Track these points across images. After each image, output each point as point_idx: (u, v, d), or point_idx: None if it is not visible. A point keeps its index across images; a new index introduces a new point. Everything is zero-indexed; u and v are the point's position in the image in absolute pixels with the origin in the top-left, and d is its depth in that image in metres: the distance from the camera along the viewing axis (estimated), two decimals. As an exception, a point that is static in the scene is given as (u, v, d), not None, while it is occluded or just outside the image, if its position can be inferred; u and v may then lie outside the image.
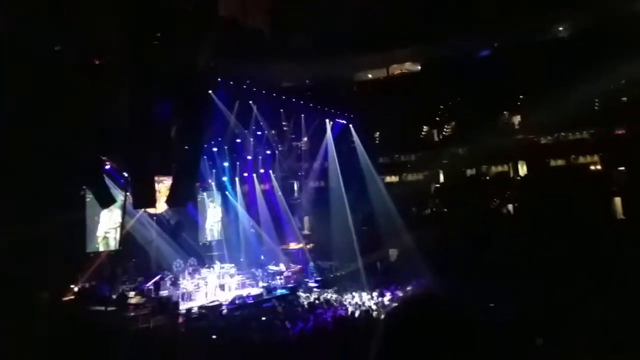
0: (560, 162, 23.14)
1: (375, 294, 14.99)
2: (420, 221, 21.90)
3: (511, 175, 23.90)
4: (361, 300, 14.40)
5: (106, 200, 14.05)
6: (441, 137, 26.17)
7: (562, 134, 23.03)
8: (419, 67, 26.39)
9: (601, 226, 15.98)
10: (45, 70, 12.12)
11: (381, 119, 22.81)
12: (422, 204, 23.87)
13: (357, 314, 12.49)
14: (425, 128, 26.32)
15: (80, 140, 13.49)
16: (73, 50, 12.73)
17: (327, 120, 21.33)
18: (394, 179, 26.90)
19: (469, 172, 25.62)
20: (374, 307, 13.37)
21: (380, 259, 19.43)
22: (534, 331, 8.23)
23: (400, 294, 14.55)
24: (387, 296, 14.52)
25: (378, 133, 25.87)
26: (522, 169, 23.86)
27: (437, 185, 25.62)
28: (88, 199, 15.19)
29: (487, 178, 24.89)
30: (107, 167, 16.07)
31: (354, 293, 15.78)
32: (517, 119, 24.00)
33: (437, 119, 25.93)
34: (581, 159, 22.68)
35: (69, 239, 14.77)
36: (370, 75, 27.10)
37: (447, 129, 25.99)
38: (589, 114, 20.47)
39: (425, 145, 25.61)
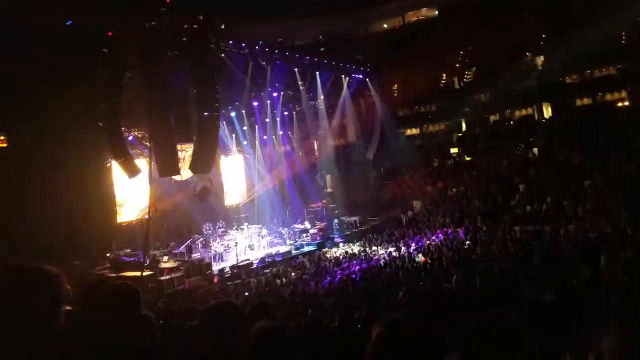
0: (586, 101, 22.36)
1: (400, 245, 15.21)
2: (444, 172, 21.76)
3: (536, 118, 23.26)
4: (387, 252, 14.64)
5: (132, 171, 14.49)
6: (462, 84, 25.48)
7: (588, 71, 22.10)
8: (437, 13, 25.40)
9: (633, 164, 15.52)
10: (65, 45, 12.26)
11: (399, 70, 22.28)
12: (444, 154, 23.62)
13: (382, 265, 12.75)
14: (444, 76, 25.64)
15: (104, 113, 13.81)
16: (89, 24, 12.78)
17: (343, 77, 20.98)
18: (415, 131, 26.59)
19: (492, 118, 25.06)
20: (399, 257, 13.59)
21: (404, 212, 19.55)
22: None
23: (425, 243, 14.73)
24: (413, 247, 14.72)
25: (397, 86, 25.37)
26: (547, 112, 23.16)
27: (460, 135, 25.21)
28: (115, 170, 15.67)
29: (512, 123, 24.31)
30: (131, 138, 16.44)
31: (379, 246, 16.06)
32: (540, 59, 23.07)
33: (457, 65, 25.16)
34: (608, 97, 21.84)
35: (100, 210, 15.40)
36: (385, 26, 26.28)
37: (467, 75, 25.23)
38: (615, 49, 19.52)
39: (446, 94, 25.04)
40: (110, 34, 13.26)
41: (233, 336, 1.90)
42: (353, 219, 19.79)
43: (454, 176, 21.02)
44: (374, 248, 15.87)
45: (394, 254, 14.02)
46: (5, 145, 15.61)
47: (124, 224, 16.27)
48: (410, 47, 21.84)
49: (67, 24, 12.74)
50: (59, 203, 13.37)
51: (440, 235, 15.53)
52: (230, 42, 15.91)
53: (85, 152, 14.50)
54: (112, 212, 15.95)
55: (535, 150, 19.73)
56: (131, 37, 12.56)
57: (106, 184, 16.02)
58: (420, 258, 12.70)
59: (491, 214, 16.30)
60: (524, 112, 24.04)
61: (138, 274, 12.29)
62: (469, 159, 22.89)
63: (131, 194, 16.44)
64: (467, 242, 13.57)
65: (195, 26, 13.57)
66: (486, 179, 19.15)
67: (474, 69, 24.61)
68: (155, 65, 12.49)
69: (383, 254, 14.44)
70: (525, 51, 22.89)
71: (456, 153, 23.95)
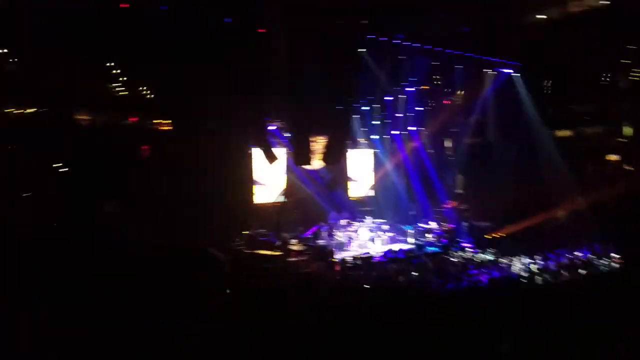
0: None
1: (538, 257, 13.83)
2: (598, 181, 19.16)
3: None
4: (521, 263, 13.45)
5: (271, 158, 15.61)
6: (627, 83, 22.03)
7: None
8: (601, 2, 22.25)
9: None
10: (217, 40, 13.64)
11: (553, 65, 20.11)
12: (600, 161, 20.74)
13: (515, 277, 11.75)
14: (607, 74, 22.42)
15: (250, 104, 15.08)
16: (239, 20, 13.97)
17: (486, 71, 19.66)
18: (566, 132, 23.76)
19: (666, 124, 21.25)
20: (535, 271, 12.39)
21: (546, 221, 17.70)
22: None
23: (567, 260, 13.18)
24: (553, 260, 13.29)
25: (549, 82, 22.93)
26: None
27: (621, 140, 21.86)
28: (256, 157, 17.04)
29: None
30: (272, 128, 17.71)
31: (513, 256, 14.80)
32: None
33: (622, 62, 21.81)
34: None
35: (241, 192, 16.98)
36: (542, 15, 23.84)
37: (635, 73, 21.74)
38: None
39: (608, 94, 21.88)
40: (262, 30, 14.29)
41: None
42: (485, 223, 18.54)
43: (610, 186, 18.39)
44: (508, 258, 14.68)
45: (531, 266, 12.83)
46: (171, 129, 18.09)
47: (259, 205, 17.65)
48: (568, 40, 19.54)
49: (226, 20, 14.02)
50: (208, 180, 15.05)
51: (587, 251, 13.80)
52: (369, 35, 16.00)
53: (233, 138, 16.09)
54: (250, 194, 17.43)
55: None
56: (279, 31, 13.44)
57: (247, 168, 17.53)
58: (562, 275, 11.41)
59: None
60: None
61: (269, 252, 13.26)
62: (629, 168, 19.80)
63: (268, 178, 17.75)
64: (618, 262, 11.79)
65: (338, 22, 13.99)
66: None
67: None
68: (297, 59, 13.22)
69: (518, 265, 13.30)
70: None
71: (615, 160, 20.86)
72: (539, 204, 19.25)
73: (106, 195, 13.98)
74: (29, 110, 15.32)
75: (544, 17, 23.64)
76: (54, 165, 14.14)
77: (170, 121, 17.88)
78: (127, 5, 12.23)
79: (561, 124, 23.40)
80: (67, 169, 14.30)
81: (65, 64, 13.73)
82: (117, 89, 16.73)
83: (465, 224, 18.46)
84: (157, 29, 12.84)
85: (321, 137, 16.38)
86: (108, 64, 15.52)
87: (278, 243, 14.52)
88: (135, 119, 17.44)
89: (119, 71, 16.05)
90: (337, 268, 14.15)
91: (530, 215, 18.56)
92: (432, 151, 21.21)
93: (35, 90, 14.59)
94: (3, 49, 13.65)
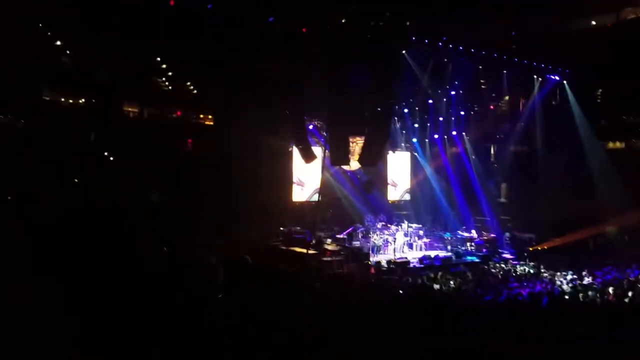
0: None
1: (583, 273, 13.12)
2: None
3: None
4: (565, 278, 12.80)
5: (309, 157, 15.59)
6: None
7: None
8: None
9: None
10: (262, 41, 13.75)
11: (607, 73, 19.09)
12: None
13: (558, 293, 11.17)
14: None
15: (290, 102, 15.12)
16: (284, 21, 14.02)
17: (535, 77, 18.91)
18: (618, 144, 22.53)
19: None
20: (579, 288, 11.75)
21: (593, 236, 16.81)
22: None
23: (614, 277, 12.43)
24: (599, 277, 12.57)
25: (600, 91, 21.82)
26: None
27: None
28: (294, 155, 17.09)
29: None
30: (311, 127, 17.70)
31: (556, 270, 14.12)
32: None
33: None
34: None
35: (280, 189, 17.10)
36: (594, 22, 22.74)
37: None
38: None
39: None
40: (304, 30, 14.27)
41: None
42: (527, 235, 17.84)
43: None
44: (551, 272, 14.02)
45: (574, 282, 12.19)
46: (212, 124, 18.42)
47: (297, 203, 17.69)
48: (623, 48, 18.53)
49: (269, 20, 14.10)
50: (248, 176, 15.23)
51: (637, 271, 12.97)
52: (413, 37, 15.70)
53: (272, 136, 16.23)
54: (289, 191, 17.50)
55: None
56: (320, 31, 13.40)
57: (286, 166, 17.61)
58: (609, 294, 10.76)
59: None
60: None
61: (304, 250, 13.24)
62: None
63: (306, 176, 17.75)
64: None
65: (380, 23, 13.80)
66: None
67: None
68: (338, 59, 13.13)
69: (562, 280, 12.67)
70: None
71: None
72: (586, 218, 18.31)
73: (149, 188, 14.32)
74: (80, 101, 16.02)
75: (595, 24, 22.61)
76: (103, 155, 14.67)
77: (211, 117, 18.25)
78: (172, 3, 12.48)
79: (613, 135, 22.20)
80: (112, 159, 14.80)
81: (114, 58, 14.27)
82: (163, 84, 17.24)
83: (507, 234, 17.82)
84: (201, 27, 13.08)
85: (359, 138, 16.21)
86: (155, 59, 16.00)
87: (313, 242, 14.48)
88: (179, 114, 17.90)
89: (164, 66, 16.53)
90: (372, 271, 13.95)
91: (576, 229, 17.69)
92: (475, 157, 20.58)
93: (86, 83, 15.21)
94: (57, 42, 14.28)
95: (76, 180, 13.22)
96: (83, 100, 15.70)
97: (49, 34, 14.00)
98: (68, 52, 14.82)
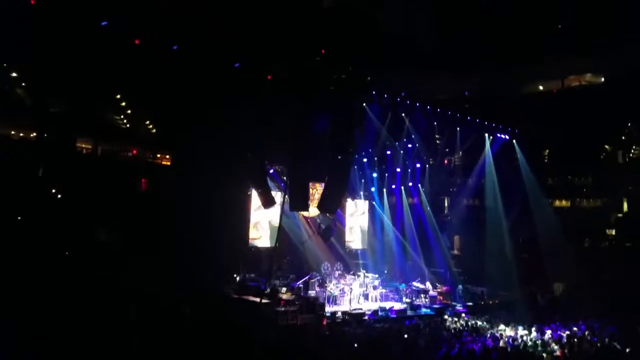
0: None
1: (533, 329, 13.31)
2: (596, 255, 18.91)
3: None
4: (516, 333, 12.92)
5: (268, 202, 15.40)
6: (627, 159, 22.36)
7: None
8: (602, 80, 23.04)
9: None
10: (225, 86, 13.86)
11: (553, 135, 20.43)
12: (599, 235, 20.58)
13: (509, 348, 11.23)
14: (607, 148, 22.78)
15: (250, 147, 15.09)
16: (250, 67, 14.25)
17: (486, 135, 19.93)
18: (564, 203, 23.80)
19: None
20: (530, 343, 11.88)
21: (541, 292, 17.27)
22: None
23: (564, 333, 12.68)
24: (548, 333, 12.77)
25: (547, 151, 23.25)
26: None
27: (620, 215, 21.85)
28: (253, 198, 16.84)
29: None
30: (271, 171, 17.63)
31: (507, 325, 14.28)
32: None
33: (623, 137, 22.23)
34: None
35: (236, 234, 16.65)
36: (541, 87, 24.58)
37: (635, 150, 22.12)
38: None
39: (607, 168, 22.13)
40: (269, 77, 14.52)
41: None
42: (480, 288, 18.09)
43: (608, 261, 18.14)
44: (502, 327, 14.15)
45: (523, 338, 12.31)
46: (169, 163, 18.05)
47: (253, 248, 17.25)
48: (568, 113, 20.01)
49: (235, 65, 14.27)
50: (203, 219, 14.80)
51: (583, 327, 13.30)
52: (373, 91, 16.34)
53: (231, 178, 15.98)
54: (245, 236, 17.07)
55: None
56: (287, 78, 13.70)
57: (243, 209, 17.28)
58: (557, 350, 10.92)
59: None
60: None
61: (257, 299, 12.77)
62: (628, 244, 19.61)
63: (264, 221, 17.44)
64: (614, 342, 11.32)
65: (343, 76, 14.33)
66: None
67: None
68: (302, 106, 13.38)
69: (511, 335, 12.78)
70: None
71: (613, 235, 20.72)
72: (534, 273, 18.90)
73: (98, 226, 13.69)
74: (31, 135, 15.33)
75: (543, 89, 24.48)
76: (51, 191, 13.93)
77: (169, 157, 17.90)
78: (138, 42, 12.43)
79: (559, 194, 23.48)
80: (60, 196, 14.07)
81: (69, 91, 13.90)
82: (120, 120, 16.87)
83: (460, 287, 18.00)
84: (164, 68, 13.08)
85: (319, 184, 16.28)
86: (113, 96, 15.72)
87: (267, 290, 14.04)
88: (135, 152, 17.45)
89: (123, 104, 16.24)
90: (325, 323, 13.59)
91: (525, 284, 18.17)
92: (429, 209, 21.07)
93: (40, 115, 14.66)
94: (12, 74, 13.83)
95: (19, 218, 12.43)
96: (34, 134, 15.07)
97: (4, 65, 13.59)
98: (23, 84, 14.35)
